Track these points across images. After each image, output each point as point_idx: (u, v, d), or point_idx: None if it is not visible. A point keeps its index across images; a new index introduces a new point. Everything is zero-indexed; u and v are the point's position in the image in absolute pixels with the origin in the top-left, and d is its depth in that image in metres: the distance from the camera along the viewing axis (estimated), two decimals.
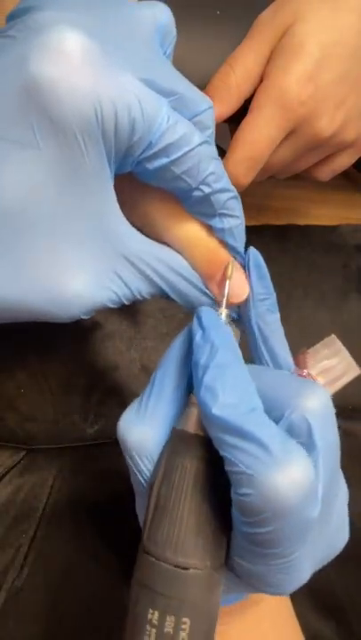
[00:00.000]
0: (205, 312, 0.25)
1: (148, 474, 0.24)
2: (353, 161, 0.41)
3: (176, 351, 0.25)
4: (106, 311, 0.29)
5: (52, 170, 0.22)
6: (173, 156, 0.23)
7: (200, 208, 0.26)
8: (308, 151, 0.37)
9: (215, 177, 0.24)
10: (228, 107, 0.35)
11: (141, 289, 0.25)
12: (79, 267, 0.24)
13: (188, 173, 0.24)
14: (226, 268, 0.26)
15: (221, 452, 0.22)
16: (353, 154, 0.40)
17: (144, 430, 0.24)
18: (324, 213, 0.53)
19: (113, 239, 0.24)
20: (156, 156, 0.23)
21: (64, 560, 0.38)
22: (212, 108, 0.25)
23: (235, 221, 0.26)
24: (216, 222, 0.26)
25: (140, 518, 0.27)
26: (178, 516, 0.22)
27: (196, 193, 0.24)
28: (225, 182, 0.25)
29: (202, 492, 0.23)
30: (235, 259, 0.27)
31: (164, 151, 0.23)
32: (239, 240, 0.27)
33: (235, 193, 0.26)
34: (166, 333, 0.44)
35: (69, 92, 0.21)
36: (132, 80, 0.22)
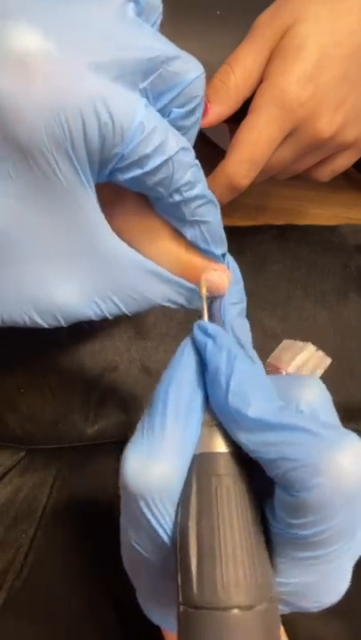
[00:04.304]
0: (207, 323, 0.24)
1: (170, 522, 0.21)
2: (353, 161, 0.41)
3: (182, 369, 0.22)
4: None
5: (29, 194, 0.21)
6: (147, 168, 0.22)
7: (171, 213, 0.25)
8: (308, 152, 0.37)
9: (189, 186, 0.23)
10: (228, 107, 0.35)
11: (131, 308, 0.25)
12: (67, 279, 0.23)
13: (161, 184, 0.22)
14: (200, 287, 0.26)
15: (264, 457, 0.20)
16: (353, 154, 0.40)
17: (165, 467, 0.20)
18: (324, 213, 0.53)
19: (102, 256, 0.24)
20: (128, 167, 0.22)
21: (64, 560, 0.38)
22: (201, 76, 0.23)
23: (205, 226, 0.25)
24: (187, 229, 0.25)
25: (146, 585, 0.24)
26: (232, 549, 0.19)
27: (168, 200, 0.23)
28: (199, 189, 0.23)
29: (247, 514, 0.20)
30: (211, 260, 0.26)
31: (137, 163, 0.21)
32: (213, 243, 0.25)
33: (208, 198, 0.24)
34: (166, 333, 0.44)
35: (30, 105, 0.19)
36: (100, 81, 0.20)
